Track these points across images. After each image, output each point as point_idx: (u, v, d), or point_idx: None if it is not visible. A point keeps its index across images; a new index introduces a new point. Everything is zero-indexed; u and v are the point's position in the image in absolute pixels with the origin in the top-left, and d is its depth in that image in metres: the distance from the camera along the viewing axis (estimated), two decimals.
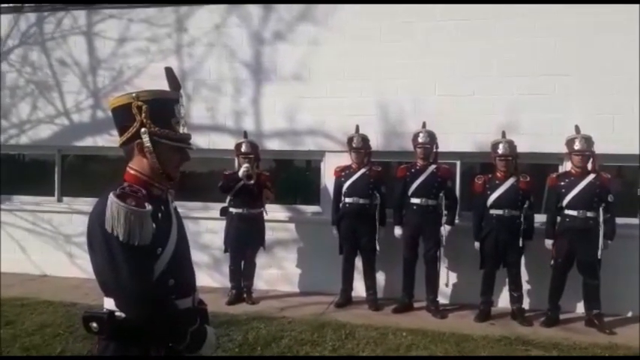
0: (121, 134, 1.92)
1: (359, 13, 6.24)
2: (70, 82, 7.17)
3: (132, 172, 1.91)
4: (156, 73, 6.57)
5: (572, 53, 5.76)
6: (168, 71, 2.00)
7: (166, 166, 1.91)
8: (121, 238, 1.72)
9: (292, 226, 6.58)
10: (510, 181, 5.47)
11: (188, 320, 1.90)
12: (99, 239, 1.76)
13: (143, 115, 1.84)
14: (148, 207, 1.80)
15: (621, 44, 5.62)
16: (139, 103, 1.85)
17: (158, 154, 1.87)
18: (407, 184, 5.75)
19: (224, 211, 6.05)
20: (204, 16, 6.70)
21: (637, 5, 5.53)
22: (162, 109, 1.89)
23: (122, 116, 1.89)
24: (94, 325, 1.82)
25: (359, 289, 6.05)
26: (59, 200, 7.41)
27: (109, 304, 1.83)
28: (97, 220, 1.77)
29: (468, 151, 6.04)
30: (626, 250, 5.49)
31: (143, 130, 1.85)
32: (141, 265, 1.77)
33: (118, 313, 1.80)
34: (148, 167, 1.90)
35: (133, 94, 1.87)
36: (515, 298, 5.52)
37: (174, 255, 1.89)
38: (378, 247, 5.84)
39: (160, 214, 1.88)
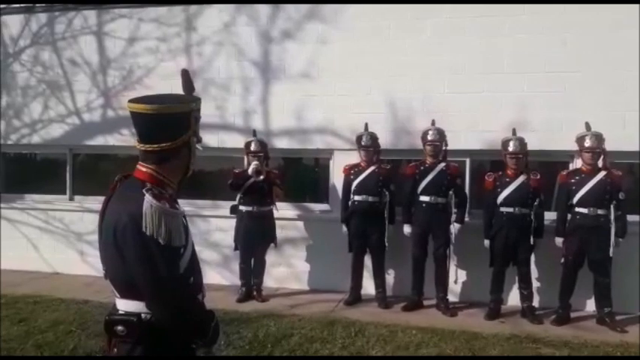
0: (162, 137, 1.84)
1: (367, 10, 6.24)
2: (80, 82, 7.23)
3: (144, 169, 1.87)
4: (166, 73, 6.71)
5: (582, 50, 5.72)
6: (185, 74, 2.00)
7: (190, 166, 1.97)
8: (161, 241, 1.70)
9: (301, 224, 6.60)
10: (521, 178, 5.44)
11: (209, 315, 1.93)
12: (134, 242, 1.72)
13: (196, 124, 1.91)
14: (180, 208, 1.81)
15: (632, 41, 5.57)
16: (196, 113, 1.90)
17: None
18: (416, 181, 5.75)
19: (234, 209, 6.08)
20: (213, 16, 6.73)
21: None
22: (199, 116, 1.95)
23: (174, 122, 1.85)
24: (120, 328, 1.79)
25: (368, 287, 6.06)
26: (71, 199, 7.48)
27: (127, 306, 1.81)
28: (130, 222, 1.72)
29: (478, 148, 6.02)
30: (637, 248, 5.45)
31: (194, 139, 1.91)
32: (176, 265, 1.77)
33: (143, 315, 1.78)
34: (174, 168, 1.91)
35: (193, 104, 1.90)
36: (525, 296, 5.50)
37: (192, 254, 1.90)
38: (387, 245, 5.85)
39: None
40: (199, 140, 1.96)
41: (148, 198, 1.72)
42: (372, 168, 5.90)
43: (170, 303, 1.75)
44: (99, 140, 7.17)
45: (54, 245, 7.27)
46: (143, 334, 1.78)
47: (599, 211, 5.16)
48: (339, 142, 6.41)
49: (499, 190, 5.48)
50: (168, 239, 1.72)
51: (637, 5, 5.53)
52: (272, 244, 6.15)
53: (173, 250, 1.75)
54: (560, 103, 5.75)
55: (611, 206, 5.13)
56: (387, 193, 5.85)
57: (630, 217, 5.53)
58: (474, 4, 5.93)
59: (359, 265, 6.00)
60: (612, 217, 5.12)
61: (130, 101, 1.86)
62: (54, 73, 7.33)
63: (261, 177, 5.86)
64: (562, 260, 5.34)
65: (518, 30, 5.85)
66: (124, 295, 1.82)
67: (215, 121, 6.69)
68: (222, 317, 4.86)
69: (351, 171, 6.00)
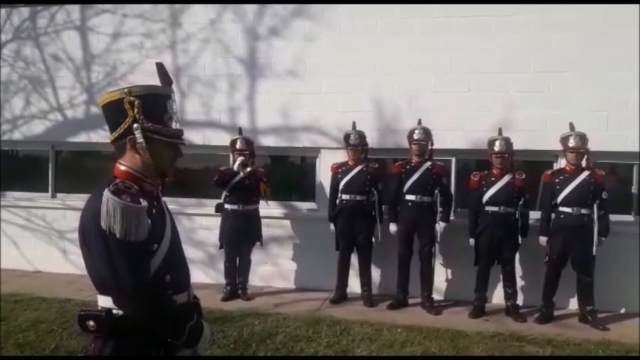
0: (112, 130, 1.90)
1: (355, 9, 6.23)
2: (63, 78, 7.13)
3: (122, 167, 1.89)
4: (150, 69, 6.55)
5: (568, 51, 5.77)
6: (160, 67, 1.99)
7: (159, 162, 1.91)
8: (117, 235, 1.71)
9: (287, 222, 6.58)
10: (506, 178, 5.48)
11: (186, 315, 1.91)
12: (95, 237, 1.74)
13: (135, 110, 1.83)
14: (144, 203, 1.79)
15: (617, 42, 5.63)
16: (131, 98, 1.84)
17: (151, 151, 1.87)
18: (402, 180, 5.75)
19: (219, 208, 6.04)
20: (198, 12, 6.67)
21: (634, 4, 5.55)
22: (154, 105, 1.88)
23: (114, 112, 1.88)
24: (91, 323, 1.80)
25: (354, 285, 6.06)
26: (53, 196, 7.37)
27: (104, 301, 1.83)
28: (91, 218, 1.75)
29: (464, 147, 6.04)
30: (620, 247, 5.51)
31: (135, 125, 1.84)
32: (138, 261, 1.76)
33: (115, 311, 1.79)
34: (141, 163, 1.89)
35: (125, 90, 1.86)
36: (510, 294, 5.54)
37: (170, 251, 1.88)
38: (374, 243, 5.85)
39: (153, 210, 1.87)
40: (161, 132, 1.87)
41: (106, 193, 1.74)
42: (359, 167, 5.89)
43: (133, 300, 1.75)
44: (82, 137, 7.07)
45: (36, 243, 7.16)
46: (113, 329, 1.79)
47: (583, 211, 5.21)
48: (326, 140, 6.39)
49: (484, 189, 5.51)
50: (124, 233, 1.71)
51: (625, 5, 5.59)
52: (258, 243, 6.12)
53: (136, 246, 1.75)
54: (546, 103, 5.80)
55: (594, 206, 5.19)
56: (374, 192, 5.84)
57: (624, 217, 5.66)
58: (462, 4, 5.95)
59: (345, 263, 5.99)
60: (595, 216, 5.18)
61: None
62: (36, 68, 7.22)
63: (248, 169, 5.83)
64: (546, 259, 5.39)
65: (505, 30, 5.88)
66: (100, 290, 1.84)
67: (200, 119, 6.64)
68: (207, 316, 4.75)
69: (339, 170, 5.99)
